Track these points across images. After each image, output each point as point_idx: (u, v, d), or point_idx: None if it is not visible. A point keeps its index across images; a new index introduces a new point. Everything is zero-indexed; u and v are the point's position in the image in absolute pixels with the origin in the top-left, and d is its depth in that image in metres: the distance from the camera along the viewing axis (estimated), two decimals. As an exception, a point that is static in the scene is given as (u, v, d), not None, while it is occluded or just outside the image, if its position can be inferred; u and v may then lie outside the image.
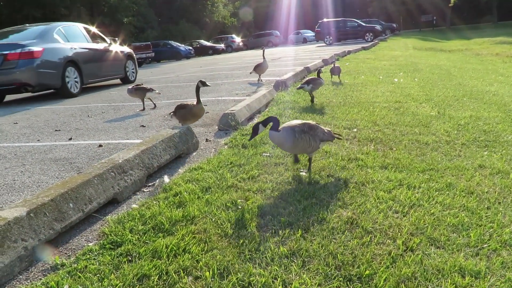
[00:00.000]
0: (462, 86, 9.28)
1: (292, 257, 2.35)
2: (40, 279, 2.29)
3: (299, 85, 7.22)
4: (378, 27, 35.76)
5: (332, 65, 9.61)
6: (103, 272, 2.27)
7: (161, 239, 2.58)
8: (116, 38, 15.12)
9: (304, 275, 2.18)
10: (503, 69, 14.35)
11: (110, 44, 13.46)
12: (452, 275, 2.14)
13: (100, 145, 5.07)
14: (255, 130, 3.51)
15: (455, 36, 40.78)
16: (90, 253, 2.48)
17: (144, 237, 2.63)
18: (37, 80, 10.20)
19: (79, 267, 2.33)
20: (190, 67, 20.40)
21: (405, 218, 2.77)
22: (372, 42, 29.57)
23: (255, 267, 2.27)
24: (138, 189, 3.53)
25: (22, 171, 4.28)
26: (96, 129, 6.20)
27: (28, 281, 2.29)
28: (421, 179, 3.43)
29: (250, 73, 10.45)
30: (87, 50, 12.06)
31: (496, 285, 2.07)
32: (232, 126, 5.45)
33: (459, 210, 2.86)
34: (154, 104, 7.96)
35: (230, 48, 41.40)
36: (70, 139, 5.65)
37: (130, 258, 2.41)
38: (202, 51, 38.55)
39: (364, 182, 3.39)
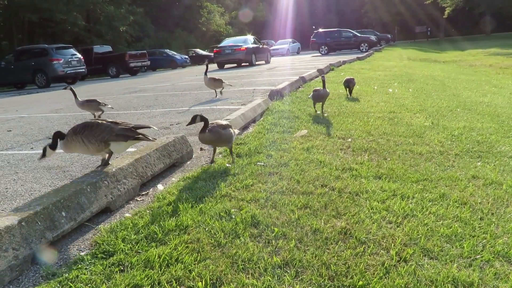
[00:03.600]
0: (456, 96, 9.34)
1: (285, 267, 2.34)
2: (31, 288, 2.27)
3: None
4: (373, 37, 35.97)
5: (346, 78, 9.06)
6: (94, 282, 2.25)
7: (154, 248, 2.56)
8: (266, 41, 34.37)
9: (297, 286, 2.17)
10: (496, 80, 14.46)
11: (262, 44, 28.21)
12: (445, 286, 2.14)
13: (94, 153, 5.06)
14: None
15: (450, 47, 41.11)
16: (81, 263, 2.45)
17: (137, 247, 2.61)
18: (245, 59, 24.96)
19: (71, 276, 2.31)
20: (185, 76, 20.42)
21: (398, 228, 2.77)
22: (367, 53, 29.75)
23: (248, 277, 2.25)
24: (131, 197, 3.51)
25: (14, 179, 4.26)
26: (90, 137, 6.17)
27: (19, 291, 2.27)
28: (414, 190, 3.43)
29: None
30: (256, 46, 26.05)
31: (489, 297, 2.07)
32: (227, 135, 5.47)
33: (452, 220, 2.86)
34: (98, 115, 7.56)
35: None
36: (64, 147, 5.63)
37: (122, 268, 2.39)
38: (198, 60, 38.57)
39: (358, 192, 3.39)
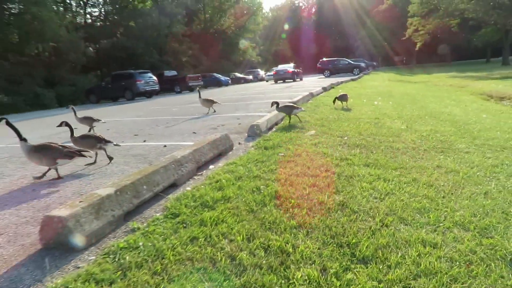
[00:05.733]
0: (424, 108, 9.03)
1: (299, 228, 2.34)
2: (123, 237, 2.33)
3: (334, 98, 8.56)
4: (363, 64, 35.11)
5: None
6: (166, 234, 2.30)
7: (206, 212, 2.60)
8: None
9: (308, 241, 2.16)
10: (455, 96, 13.89)
11: (298, 69, 29.22)
12: (416, 245, 2.09)
13: (165, 146, 5.14)
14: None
15: (420, 71, 39.72)
16: (157, 221, 2.51)
17: (195, 211, 2.65)
18: (291, 77, 27.03)
19: (150, 230, 2.36)
20: (227, 92, 20.48)
21: (382, 202, 2.72)
22: (358, 75, 29.05)
23: (273, 234, 2.26)
24: (191, 176, 3.55)
25: (111, 162, 4.37)
26: (162, 135, 6.28)
27: (115, 239, 2.33)
28: (394, 175, 3.36)
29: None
30: (295, 70, 27.66)
31: (449, 254, 2.01)
32: (257, 134, 5.45)
33: (422, 198, 2.79)
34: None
35: (256, 79, 41.30)
36: (144, 141, 5.74)
37: (184, 225, 2.43)
38: (237, 81, 38.56)
39: (352, 175, 3.34)
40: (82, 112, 8.67)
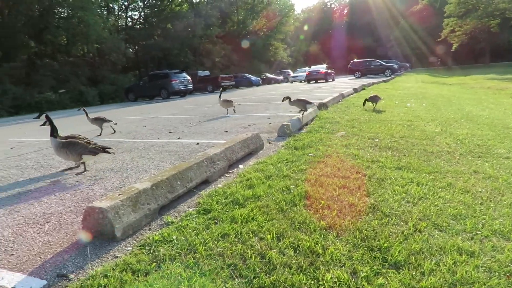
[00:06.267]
0: (460, 110, 8.59)
1: (329, 230, 2.28)
2: (157, 230, 2.38)
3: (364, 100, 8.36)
4: (395, 65, 33.93)
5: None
6: (198, 229, 2.32)
7: (237, 209, 2.60)
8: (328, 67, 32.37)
9: (338, 243, 2.11)
10: (493, 99, 13.11)
11: (330, 69, 29.45)
12: (451, 253, 1.98)
13: (197, 143, 5.21)
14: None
15: (455, 73, 37.89)
16: (189, 216, 2.54)
17: (226, 208, 2.66)
18: (323, 78, 27.46)
19: (183, 224, 2.40)
20: (257, 92, 20.52)
21: (415, 207, 2.60)
22: (390, 77, 28.14)
23: (302, 234, 2.22)
24: (222, 174, 3.58)
25: (147, 158, 4.49)
26: (195, 132, 6.38)
27: (150, 231, 2.39)
28: (427, 179, 3.20)
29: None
30: (327, 71, 28.37)
31: (487, 264, 1.89)
32: (287, 133, 5.41)
33: (457, 203, 2.64)
34: (114, 130, 7.31)
35: (286, 79, 41.06)
36: (179, 138, 5.86)
37: (216, 221, 2.45)
38: (267, 81, 38.52)
39: (383, 178, 3.22)
40: (120, 110, 8.99)
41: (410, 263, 1.91)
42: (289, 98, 6.48)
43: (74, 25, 26.08)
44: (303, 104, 6.48)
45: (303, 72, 34.86)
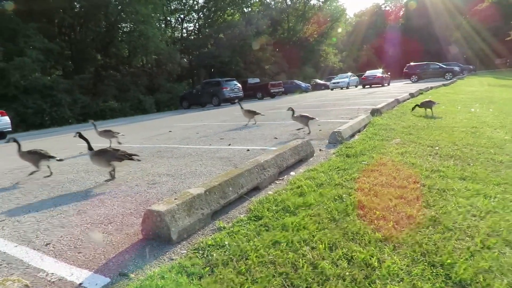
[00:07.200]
0: (534, 116, 7.73)
1: (385, 242, 2.17)
2: (210, 235, 2.44)
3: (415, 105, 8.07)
4: (456, 68, 31.56)
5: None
6: (249, 236, 2.34)
7: (288, 217, 2.57)
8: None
9: (395, 257, 1.99)
10: None
11: (386, 74, 29.20)
12: (529, 275, 1.77)
13: (248, 150, 5.28)
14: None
15: (527, 74, 34.22)
16: (241, 222, 2.57)
17: (277, 215, 2.65)
18: (379, 82, 27.46)
19: (234, 230, 2.43)
20: (307, 99, 20.30)
21: (482, 221, 2.38)
22: (451, 80, 26.20)
23: (356, 246, 2.13)
24: (272, 181, 3.57)
25: (200, 164, 4.64)
26: (245, 139, 6.47)
27: (203, 235, 2.45)
28: (496, 191, 2.91)
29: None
30: (383, 75, 27.76)
31: None
32: (339, 140, 5.27)
33: (534, 220, 2.36)
34: (119, 142, 7.07)
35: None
36: (229, 144, 5.98)
37: (267, 228, 2.45)
38: (317, 87, 38.01)
39: (445, 189, 2.99)
40: (175, 118, 9.40)
41: (477, 282, 1.74)
42: (292, 110, 6.52)
43: (135, 38, 28.07)
44: (305, 121, 6.32)
45: (344, 78, 33.79)
